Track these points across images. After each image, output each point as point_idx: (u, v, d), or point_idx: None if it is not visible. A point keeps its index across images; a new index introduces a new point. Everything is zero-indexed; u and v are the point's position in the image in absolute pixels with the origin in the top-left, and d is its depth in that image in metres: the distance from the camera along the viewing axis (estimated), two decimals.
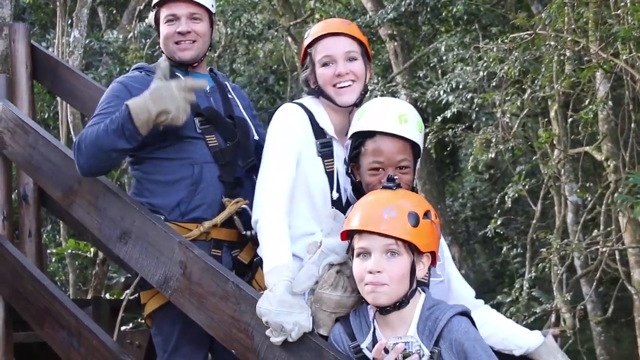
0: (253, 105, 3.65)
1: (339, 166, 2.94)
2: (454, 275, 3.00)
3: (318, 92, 3.00)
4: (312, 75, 3.02)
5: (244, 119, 3.32)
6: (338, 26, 3.02)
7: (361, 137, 2.80)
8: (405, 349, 2.33)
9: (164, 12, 3.32)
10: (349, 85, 2.96)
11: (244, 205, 3.13)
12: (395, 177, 2.59)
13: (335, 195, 2.90)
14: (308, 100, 3.03)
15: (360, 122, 2.82)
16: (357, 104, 3.00)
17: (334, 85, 2.96)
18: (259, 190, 2.87)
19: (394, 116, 2.78)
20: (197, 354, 3.19)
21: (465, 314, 2.50)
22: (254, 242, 3.01)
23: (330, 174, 2.91)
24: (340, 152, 2.97)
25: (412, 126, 2.79)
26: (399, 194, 2.54)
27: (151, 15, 3.43)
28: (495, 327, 2.94)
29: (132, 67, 3.48)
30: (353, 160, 2.84)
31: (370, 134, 2.77)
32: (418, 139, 2.81)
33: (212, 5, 3.36)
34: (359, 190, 2.84)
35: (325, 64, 2.97)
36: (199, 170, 3.17)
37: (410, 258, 2.45)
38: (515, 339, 2.93)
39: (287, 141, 2.90)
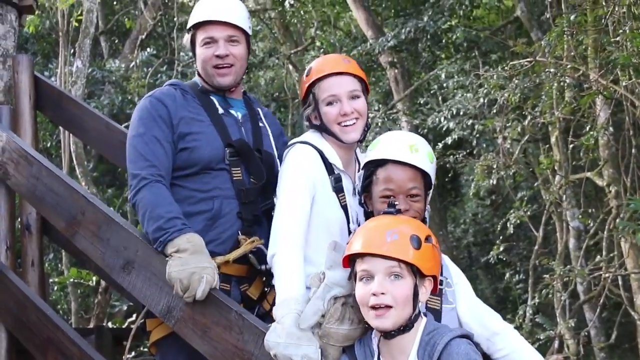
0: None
1: (349, 199, 3.02)
2: (475, 303, 2.99)
3: (323, 129, 3.07)
4: (316, 112, 3.08)
5: (272, 154, 3.29)
6: (340, 65, 3.09)
7: (373, 167, 2.89)
8: None
9: (201, 35, 3.28)
10: (354, 124, 3.05)
11: (259, 245, 3.12)
12: (396, 202, 2.66)
13: (353, 227, 2.96)
14: (313, 137, 3.09)
15: (372, 152, 2.92)
16: (361, 140, 3.11)
17: (339, 124, 3.04)
18: (275, 226, 2.90)
19: (405, 145, 2.88)
20: None
21: (466, 336, 2.50)
22: (267, 275, 3.02)
23: (344, 208, 2.99)
24: (348, 186, 3.06)
25: (422, 156, 2.88)
26: (400, 219, 2.58)
27: (186, 37, 3.38)
28: (519, 359, 2.93)
29: (135, 94, 3.45)
30: (365, 190, 2.92)
31: (382, 163, 2.86)
32: (428, 168, 2.89)
33: (249, 27, 3.35)
34: None
35: (330, 103, 3.05)
36: (218, 205, 3.15)
37: (413, 281, 2.46)
38: None
39: (302, 180, 2.95)
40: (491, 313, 3.02)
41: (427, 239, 2.52)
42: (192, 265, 2.82)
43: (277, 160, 3.31)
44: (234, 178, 3.19)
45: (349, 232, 2.95)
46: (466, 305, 2.92)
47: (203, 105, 3.27)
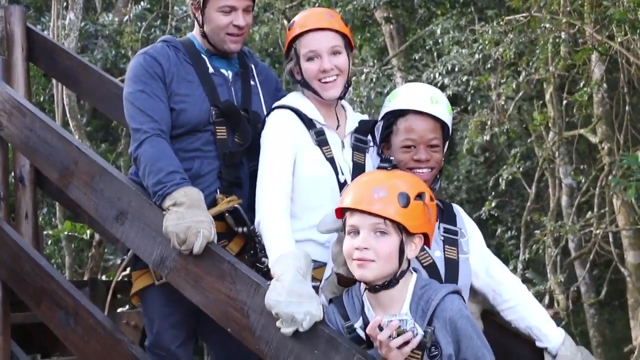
0: None
1: (336, 152, 3.03)
2: (485, 254, 3.02)
3: (303, 85, 3.07)
4: (297, 68, 3.08)
5: (259, 114, 3.25)
6: (322, 20, 3.07)
7: (393, 117, 2.90)
8: (399, 327, 2.35)
9: (218, 1, 3.22)
10: (334, 80, 3.04)
11: (236, 205, 3.09)
12: (391, 157, 2.65)
13: (342, 178, 2.98)
14: (293, 97, 3.10)
15: (392, 102, 2.93)
16: (342, 97, 3.10)
17: (319, 80, 3.03)
18: (259, 194, 2.92)
19: (426, 97, 2.89)
20: (179, 338, 3.23)
21: (457, 292, 2.53)
22: (247, 238, 3.03)
23: (331, 160, 3.00)
24: (334, 139, 3.06)
25: (442, 107, 2.91)
26: (393, 174, 2.56)
27: None
28: (523, 312, 2.98)
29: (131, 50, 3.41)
30: (384, 140, 2.94)
31: (403, 113, 2.88)
32: (448, 119, 2.92)
33: None
34: None
35: (310, 59, 3.04)
36: (199, 165, 3.14)
37: (399, 238, 2.46)
38: (539, 333, 2.97)
39: (281, 143, 2.97)
40: (500, 264, 3.05)
41: (420, 196, 2.50)
42: (189, 219, 2.82)
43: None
44: (218, 138, 3.18)
45: (339, 184, 2.97)
46: (477, 255, 2.95)
47: (194, 64, 3.25)
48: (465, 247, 2.91)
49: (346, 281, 2.64)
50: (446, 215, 2.95)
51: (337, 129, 3.10)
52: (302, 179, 2.97)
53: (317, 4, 13.02)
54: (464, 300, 2.56)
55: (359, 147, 3.08)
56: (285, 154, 2.96)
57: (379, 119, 2.99)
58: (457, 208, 3.04)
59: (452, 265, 2.82)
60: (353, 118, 3.18)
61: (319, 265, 2.86)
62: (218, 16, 3.22)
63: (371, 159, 3.10)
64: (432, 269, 2.76)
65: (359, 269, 2.46)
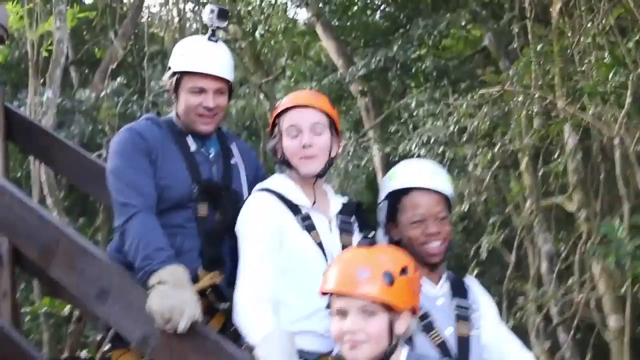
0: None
1: (324, 236, 2.95)
2: (498, 329, 3.00)
3: (284, 163, 3.03)
4: (280, 145, 3.03)
5: (239, 193, 3.23)
6: (306, 98, 3.06)
7: (396, 196, 2.93)
8: None
9: (189, 82, 3.21)
10: (313, 156, 2.98)
11: (217, 281, 3.08)
12: (370, 235, 2.61)
13: None
14: (276, 180, 3.04)
15: (393, 182, 2.95)
16: (321, 174, 3.02)
17: (299, 157, 2.98)
18: (239, 284, 2.88)
19: (427, 171, 2.95)
20: None
21: None
22: (229, 315, 2.99)
23: (320, 245, 2.92)
24: (321, 222, 2.98)
25: (443, 179, 2.95)
26: (374, 251, 2.54)
27: (167, 76, 3.31)
28: None
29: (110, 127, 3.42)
30: (390, 220, 2.94)
31: (405, 191, 2.91)
32: (449, 192, 2.94)
33: (232, 75, 3.31)
34: None
35: (291, 135, 2.99)
36: (180, 241, 3.13)
37: (387, 316, 2.45)
38: None
39: (263, 231, 2.89)
40: (513, 340, 3.02)
41: (403, 271, 2.49)
42: (173, 298, 2.79)
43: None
44: (199, 215, 3.17)
45: None
46: (490, 329, 2.94)
47: (176, 142, 3.25)
48: (477, 323, 2.89)
49: None
50: (458, 291, 2.95)
51: (321, 210, 3.01)
52: (292, 265, 2.89)
53: (292, 79, 13.24)
54: None
55: (345, 229, 3.01)
56: (268, 241, 2.88)
57: (381, 199, 2.99)
58: (469, 281, 3.03)
59: (464, 343, 2.81)
60: (336, 200, 3.11)
61: (318, 357, 2.80)
62: (188, 97, 3.22)
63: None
64: (442, 348, 2.76)
65: (350, 350, 2.44)
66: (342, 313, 2.46)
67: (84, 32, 14.53)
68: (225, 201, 3.18)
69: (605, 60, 6.66)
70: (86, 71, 14.91)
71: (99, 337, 3.40)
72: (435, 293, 2.90)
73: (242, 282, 2.86)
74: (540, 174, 9.07)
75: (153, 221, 3.04)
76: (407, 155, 10.51)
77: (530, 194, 9.22)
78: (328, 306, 2.56)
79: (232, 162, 3.34)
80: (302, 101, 3.03)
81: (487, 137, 9.17)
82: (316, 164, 2.99)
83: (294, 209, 2.95)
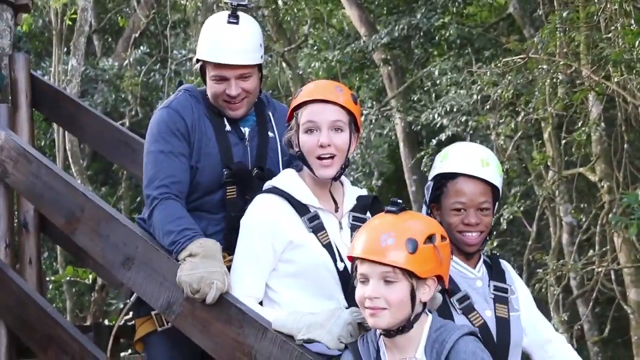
0: None
1: (334, 236, 2.86)
2: (533, 311, 3.01)
3: (300, 158, 2.91)
4: (296, 138, 2.90)
5: (272, 172, 3.16)
6: (329, 93, 2.86)
7: (443, 179, 2.88)
8: None
9: (211, 70, 3.17)
10: (329, 158, 2.83)
11: None
12: (400, 201, 2.58)
13: (341, 266, 2.80)
14: (286, 178, 2.93)
15: (443, 164, 2.89)
16: (337, 178, 2.90)
17: (316, 157, 2.84)
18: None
19: (477, 159, 2.86)
20: None
21: (473, 334, 2.51)
22: None
23: (328, 246, 2.82)
24: (330, 222, 2.88)
25: (493, 169, 2.87)
26: (401, 218, 2.52)
27: (194, 61, 3.27)
28: None
29: (177, 89, 3.30)
30: (434, 201, 2.91)
31: (453, 176, 2.85)
32: (498, 182, 2.87)
33: (261, 57, 3.21)
34: None
35: (308, 130, 2.85)
36: (205, 225, 3.15)
37: (409, 284, 2.45)
38: None
39: (256, 238, 2.85)
40: (545, 321, 3.04)
41: (430, 239, 2.47)
42: (202, 269, 2.81)
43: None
44: (227, 198, 3.18)
45: (337, 271, 2.81)
46: (527, 312, 2.93)
47: (211, 120, 3.23)
48: (516, 305, 2.88)
49: None
50: (495, 272, 2.94)
51: (334, 209, 2.91)
52: (300, 268, 2.83)
53: (315, 47, 13.17)
54: (481, 342, 2.53)
55: (357, 228, 2.81)
56: (259, 248, 2.83)
57: (429, 179, 2.95)
58: (505, 264, 3.01)
59: (503, 324, 2.81)
60: (351, 194, 2.98)
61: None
62: (212, 84, 3.19)
63: None
64: (483, 329, 2.74)
65: (371, 317, 2.46)
66: (365, 279, 2.47)
67: (107, 1, 14.54)
68: (255, 186, 3.13)
69: (631, 28, 6.57)
70: (109, 40, 14.96)
71: (122, 305, 3.45)
72: (473, 276, 2.89)
73: (231, 280, 2.87)
74: (563, 143, 9.00)
75: (175, 206, 3.06)
76: (429, 124, 10.49)
77: (552, 164, 9.17)
78: (353, 272, 2.56)
79: (270, 135, 3.30)
80: (324, 95, 2.85)
81: (511, 106, 9.11)
82: (332, 168, 2.85)
83: (302, 209, 2.85)
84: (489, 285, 2.87)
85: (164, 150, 3.13)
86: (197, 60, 3.25)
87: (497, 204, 2.93)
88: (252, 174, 3.20)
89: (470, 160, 2.86)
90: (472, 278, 2.89)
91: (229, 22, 3.17)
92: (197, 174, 3.16)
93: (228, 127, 3.24)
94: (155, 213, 3.05)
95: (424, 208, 2.97)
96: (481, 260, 2.95)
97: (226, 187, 3.18)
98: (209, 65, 3.18)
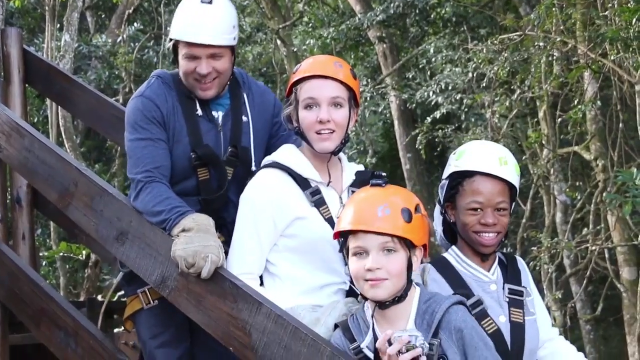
0: None
1: (335, 211, 2.84)
2: (544, 313, 2.98)
3: (299, 134, 2.91)
4: (295, 114, 2.89)
5: (247, 150, 3.21)
6: (328, 68, 2.86)
7: (459, 177, 2.80)
8: (409, 342, 2.35)
9: (183, 49, 3.18)
10: (329, 133, 2.83)
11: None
12: (384, 174, 2.59)
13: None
14: (286, 153, 2.93)
15: (459, 162, 2.82)
16: (336, 152, 2.91)
17: (315, 132, 2.84)
18: (228, 265, 2.87)
19: (495, 158, 2.79)
20: (172, 356, 3.21)
21: (462, 303, 2.53)
22: None
23: (330, 220, 2.82)
24: (331, 197, 2.88)
25: (511, 168, 2.80)
26: (389, 190, 2.56)
27: (169, 43, 3.27)
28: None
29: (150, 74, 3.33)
30: (449, 200, 2.84)
31: (470, 174, 2.78)
32: (516, 181, 2.81)
33: (234, 38, 3.21)
34: (452, 231, 2.86)
35: (308, 106, 2.84)
36: None
37: (406, 253, 2.48)
38: None
39: (259, 215, 2.83)
40: (549, 318, 2.99)
41: (417, 209, 2.52)
42: (196, 243, 2.81)
43: (252, 157, 3.23)
44: (200, 180, 3.19)
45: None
46: (539, 314, 2.88)
47: (183, 106, 3.22)
48: (532, 308, 2.82)
49: None
50: (510, 273, 2.86)
51: (332, 184, 2.91)
52: (301, 241, 2.83)
53: (310, 25, 13.12)
54: (469, 311, 2.55)
55: None
56: (262, 227, 2.82)
57: (444, 177, 2.87)
58: (521, 263, 2.95)
59: (518, 330, 2.74)
60: (349, 170, 2.98)
61: None
62: (183, 63, 3.19)
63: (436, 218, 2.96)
64: (496, 336, 2.66)
65: (372, 289, 2.46)
66: (362, 252, 2.47)
67: None
68: (222, 169, 3.18)
69: (628, 5, 6.54)
70: (102, 16, 14.84)
71: (115, 281, 3.45)
72: (487, 279, 2.83)
73: (230, 257, 2.87)
74: (558, 122, 9.00)
75: (159, 188, 3.06)
76: (424, 102, 10.48)
77: (547, 142, 9.18)
78: (341, 250, 2.55)
79: (244, 119, 3.29)
80: (323, 71, 2.85)
81: (506, 84, 9.10)
82: (331, 142, 2.84)
83: (304, 183, 2.86)
84: (503, 288, 2.81)
85: (144, 138, 3.14)
86: (170, 40, 3.24)
87: (513, 203, 2.86)
88: (220, 157, 3.20)
89: (488, 158, 2.78)
90: (487, 282, 2.82)
91: (202, 2, 3.18)
92: (172, 160, 3.17)
93: (200, 112, 3.23)
94: (142, 196, 3.05)
95: (437, 207, 2.92)
96: (496, 261, 2.88)
97: (197, 169, 3.19)
98: (181, 44, 3.19)
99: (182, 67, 3.20)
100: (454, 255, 2.86)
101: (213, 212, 3.07)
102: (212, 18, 3.15)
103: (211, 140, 3.22)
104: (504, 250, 3.07)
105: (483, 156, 2.80)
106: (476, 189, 2.76)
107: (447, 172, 2.86)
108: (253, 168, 3.18)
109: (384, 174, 2.59)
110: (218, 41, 3.15)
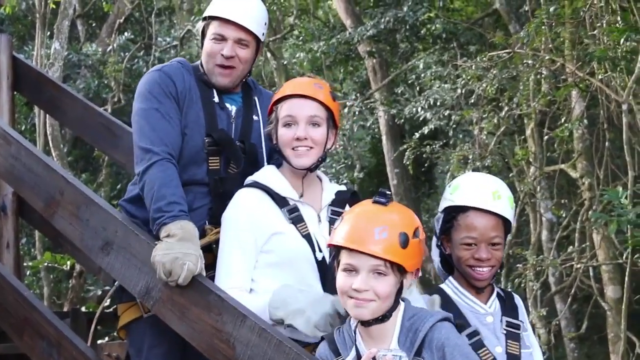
0: None
1: (313, 228, 2.91)
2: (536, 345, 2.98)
3: (277, 151, 2.98)
4: (275, 132, 2.97)
5: (255, 146, 3.23)
6: (307, 88, 2.95)
7: (453, 212, 2.81)
8: None
9: (213, 29, 3.21)
10: (307, 150, 2.92)
11: None
12: (389, 192, 2.56)
13: (319, 256, 2.85)
14: (266, 173, 3.00)
15: (454, 196, 2.83)
16: (312, 169, 2.97)
17: (292, 148, 2.92)
18: (217, 282, 2.89)
19: (488, 192, 2.80)
20: None
21: (448, 319, 2.51)
22: None
23: (307, 237, 2.87)
24: (309, 214, 2.94)
25: (504, 202, 2.81)
26: (390, 210, 2.50)
27: (200, 24, 3.33)
28: None
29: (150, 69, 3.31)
30: (444, 233, 2.85)
31: (463, 209, 2.79)
32: (510, 215, 2.82)
33: (263, 34, 3.27)
34: (449, 263, 2.87)
35: (287, 124, 2.93)
36: (191, 198, 3.11)
37: (397, 277, 2.45)
38: None
39: (239, 230, 2.89)
40: (542, 357, 2.98)
41: (415, 233, 2.47)
42: (177, 250, 2.80)
43: (262, 154, 3.25)
44: (210, 168, 3.17)
45: (316, 261, 2.86)
46: (534, 350, 2.89)
47: (200, 91, 3.23)
48: (528, 342, 2.84)
49: None
50: (508, 307, 2.88)
51: (308, 200, 2.96)
52: (280, 258, 2.87)
53: (300, 38, 13.15)
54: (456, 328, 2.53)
55: (335, 221, 2.82)
56: (243, 239, 2.87)
57: (439, 210, 2.90)
58: (518, 299, 2.96)
59: None
60: (330, 190, 3.04)
61: (302, 346, 2.70)
62: (209, 44, 3.22)
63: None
64: None
65: (356, 308, 2.43)
66: (352, 270, 2.44)
67: None
68: (238, 152, 3.17)
69: (617, 25, 6.59)
70: (93, 25, 14.82)
71: (99, 292, 3.42)
72: (484, 311, 2.84)
73: (218, 273, 2.89)
74: (545, 140, 9.05)
75: (173, 171, 3.03)
76: (412, 118, 10.50)
77: (534, 159, 9.21)
78: (332, 260, 2.55)
79: (255, 118, 3.30)
80: (303, 91, 2.94)
81: (494, 101, 9.14)
82: (308, 158, 2.92)
83: (282, 201, 2.91)
84: (501, 321, 2.82)
85: (160, 110, 3.11)
86: (204, 19, 3.27)
87: (507, 236, 2.87)
88: (234, 142, 3.18)
89: (482, 193, 2.79)
90: (483, 314, 2.83)
91: None
92: (184, 141, 3.13)
93: (216, 99, 3.24)
94: (154, 170, 3.01)
95: (434, 239, 2.93)
96: (494, 293, 2.89)
97: (208, 156, 3.16)
98: (213, 24, 3.22)
99: (207, 49, 3.22)
100: (450, 287, 2.87)
101: (222, 204, 3.04)
102: (249, 4, 3.24)
103: (223, 126, 3.22)
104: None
105: (477, 191, 2.80)
106: (470, 224, 2.77)
107: (442, 206, 2.88)
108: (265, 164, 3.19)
109: (388, 192, 2.54)
110: (250, 25, 3.20)
